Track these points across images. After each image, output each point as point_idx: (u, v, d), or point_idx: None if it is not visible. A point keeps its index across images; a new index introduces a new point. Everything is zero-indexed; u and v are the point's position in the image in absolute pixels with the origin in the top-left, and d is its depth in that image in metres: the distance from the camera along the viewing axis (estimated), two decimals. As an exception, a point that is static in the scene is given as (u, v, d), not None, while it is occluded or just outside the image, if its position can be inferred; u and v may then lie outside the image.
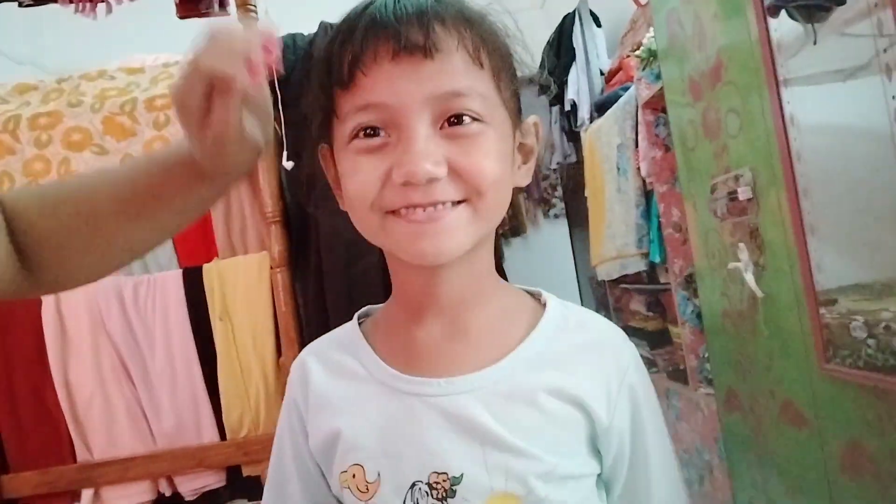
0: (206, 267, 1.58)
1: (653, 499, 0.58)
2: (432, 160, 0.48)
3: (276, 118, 1.57)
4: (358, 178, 0.51)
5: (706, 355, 2.13)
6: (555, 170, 4.29)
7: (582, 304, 4.28)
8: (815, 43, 1.22)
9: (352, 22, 0.51)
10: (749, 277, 1.51)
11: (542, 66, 3.71)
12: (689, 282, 2.25)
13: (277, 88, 1.56)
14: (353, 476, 0.54)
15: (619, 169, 2.70)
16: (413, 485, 0.52)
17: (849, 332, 1.24)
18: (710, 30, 1.61)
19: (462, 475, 0.51)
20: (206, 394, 1.57)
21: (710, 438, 2.18)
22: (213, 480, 1.59)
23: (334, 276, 1.44)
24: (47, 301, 1.56)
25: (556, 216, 4.90)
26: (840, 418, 1.30)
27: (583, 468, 0.55)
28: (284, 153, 1.51)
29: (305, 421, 0.60)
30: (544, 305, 0.60)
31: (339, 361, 0.61)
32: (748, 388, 1.68)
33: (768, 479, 1.67)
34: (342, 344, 0.63)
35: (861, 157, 1.17)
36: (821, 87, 1.29)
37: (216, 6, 1.61)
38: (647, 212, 2.53)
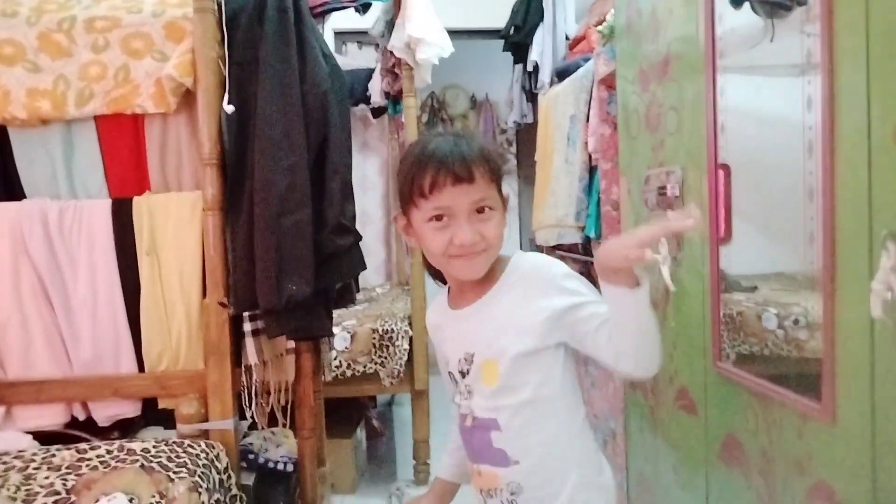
0: (136, 199, 1.56)
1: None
2: (471, 235, 0.96)
3: (221, 57, 1.54)
4: (435, 242, 0.98)
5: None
6: (512, 127, 4.30)
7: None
8: (771, 40, 1.25)
9: (427, 158, 0.96)
10: (665, 271, 1.58)
11: (509, 21, 3.67)
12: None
13: (224, 28, 1.52)
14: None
15: (569, 139, 2.74)
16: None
17: (760, 321, 1.33)
18: (664, 23, 1.63)
19: (474, 353, 1.04)
20: (127, 326, 1.57)
21: (616, 409, 2.31)
22: (128, 409, 1.61)
23: (264, 226, 1.44)
24: (-32, 217, 1.52)
25: (507, 171, 4.94)
26: (724, 412, 1.41)
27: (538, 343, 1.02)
28: (226, 96, 1.48)
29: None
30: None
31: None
32: (652, 370, 1.78)
33: (658, 453, 1.80)
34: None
35: (787, 150, 1.22)
36: (755, 81, 1.34)
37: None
38: (590, 186, 2.59)
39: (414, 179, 0.96)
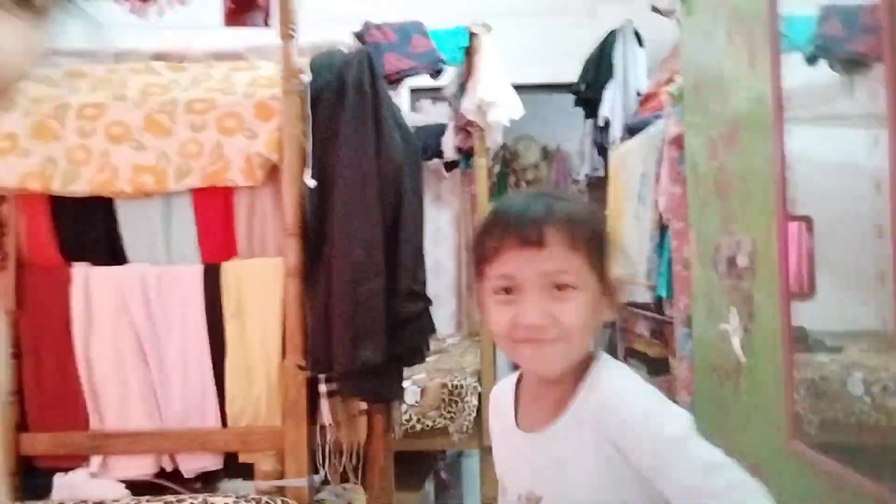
0: (224, 265, 1.68)
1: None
2: (539, 313, 0.76)
3: (304, 133, 1.65)
4: (497, 320, 0.80)
5: (697, 395, 2.18)
6: (584, 180, 4.32)
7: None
8: (851, 95, 1.25)
9: (496, 219, 0.82)
10: (736, 343, 1.57)
11: (581, 77, 3.72)
12: (691, 320, 2.30)
13: (308, 105, 1.64)
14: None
15: (639, 197, 2.74)
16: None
17: (845, 385, 1.29)
18: (731, 86, 1.65)
19: (541, 497, 0.83)
20: (213, 383, 1.68)
21: (690, 474, 2.25)
22: (211, 462, 1.71)
23: (341, 293, 1.53)
24: (77, 278, 1.67)
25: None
26: (798, 494, 1.37)
27: None
28: (308, 170, 1.59)
29: None
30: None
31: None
32: (723, 442, 1.73)
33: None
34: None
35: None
36: (832, 133, 1.33)
37: (261, 20, 1.68)
38: (661, 245, 2.57)
39: (481, 243, 0.82)
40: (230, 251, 1.72)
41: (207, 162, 1.65)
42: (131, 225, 1.72)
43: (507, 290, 0.79)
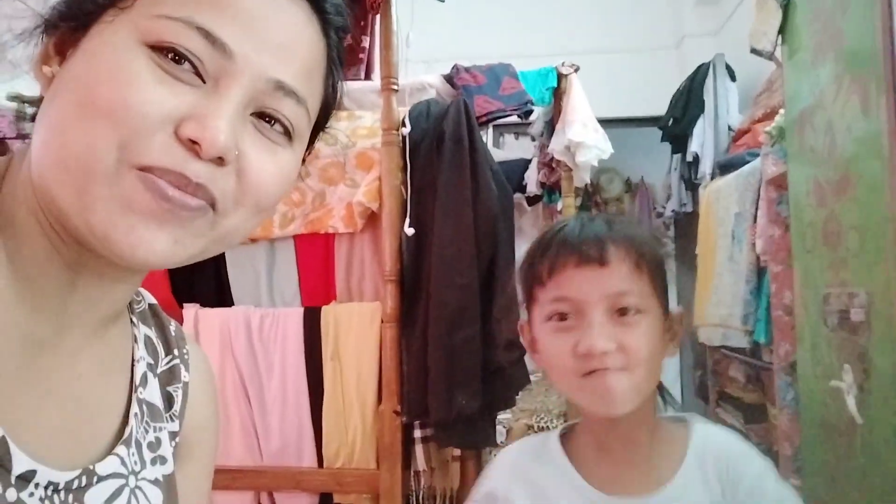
0: (324, 308, 1.73)
1: None
2: (605, 338, 0.67)
3: (403, 182, 1.70)
4: (553, 348, 0.70)
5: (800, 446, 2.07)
6: (670, 216, 4.23)
7: (680, 356, 4.16)
8: None
9: (550, 238, 0.73)
10: (851, 402, 1.48)
11: (669, 111, 3.67)
12: (794, 368, 2.19)
13: (407, 155, 1.68)
14: None
15: (733, 237, 2.65)
16: None
17: None
18: (841, 140, 1.58)
19: None
20: (310, 423, 1.72)
21: (793, 533, 2.13)
22: (306, 502, 1.75)
23: (437, 340, 1.55)
24: (188, 318, 1.77)
25: (665, 255, 4.82)
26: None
27: None
28: (407, 219, 1.63)
29: None
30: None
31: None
32: (834, 499, 1.65)
33: None
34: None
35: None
36: None
37: (361, 73, 1.75)
38: (758, 289, 2.48)
39: (532, 264, 0.73)
40: (329, 295, 1.78)
41: (310, 209, 1.71)
42: (237, 267, 1.80)
43: (563, 317, 0.70)
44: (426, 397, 1.56)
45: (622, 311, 0.69)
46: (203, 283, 1.81)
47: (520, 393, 3.15)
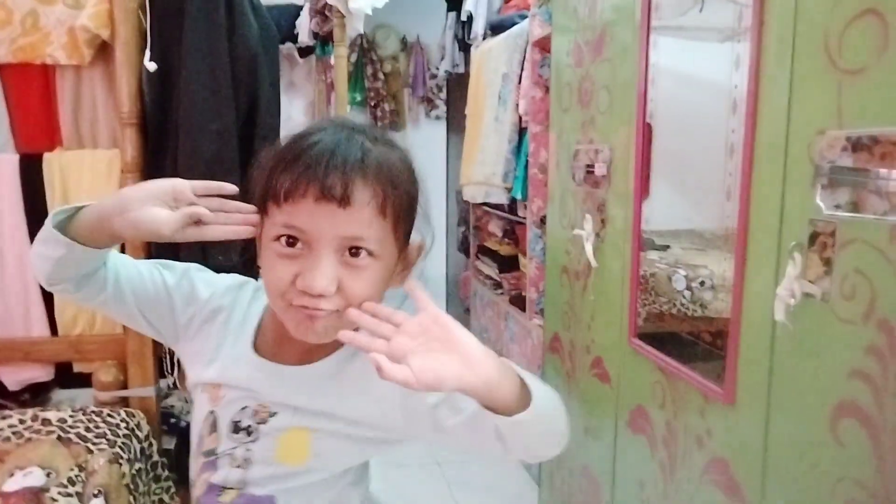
0: (47, 156, 1.46)
1: None
2: (327, 280, 0.65)
3: (141, 6, 1.44)
4: (274, 273, 0.67)
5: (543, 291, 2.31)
6: (443, 75, 4.24)
7: (447, 213, 4.37)
8: (700, 10, 1.28)
9: (295, 155, 0.66)
10: (588, 248, 1.65)
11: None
12: (544, 222, 2.39)
13: (145, -26, 1.42)
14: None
15: (500, 98, 2.73)
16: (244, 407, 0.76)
17: (670, 282, 1.41)
18: (601, 4, 1.64)
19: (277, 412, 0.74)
20: (38, 288, 1.50)
21: (534, 366, 2.42)
22: (40, 374, 1.56)
23: (189, 194, 1.40)
24: None
25: (437, 117, 4.90)
26: (635, 384, 1.51)
27: None
28: (147, 51, 1.39)
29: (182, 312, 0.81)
30: None
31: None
32: (570, 337, 1.87)
33: (571, 416, 1.91)
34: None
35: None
36: (684, 44, 1.39)
37: None
38: (518, 148, 2.61)
39: (271, 176, 0.67)
40: (53, 140, 1.50)
41: (19, 32, 1.39)
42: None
43: (291, 243, 0.66)
44: (178, 255, 1.43)
45: (354, 252, 0.66)
46: None
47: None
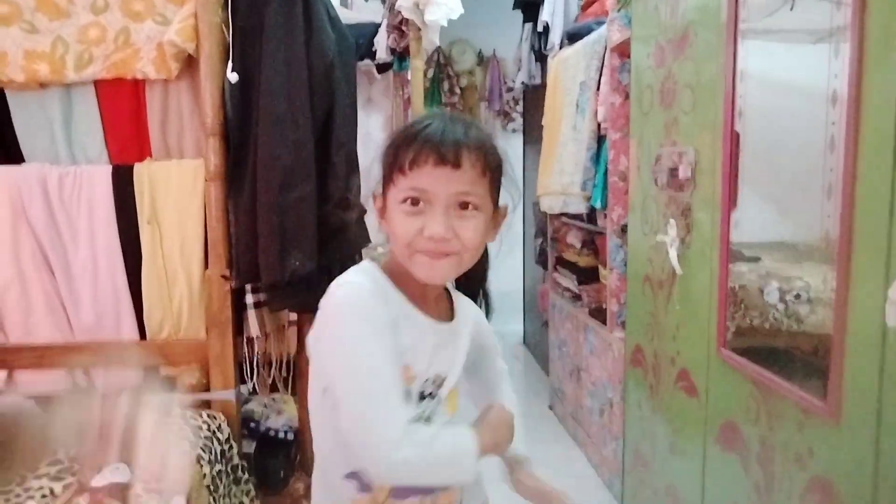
0: (137, 166, 1.52)
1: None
2: (446, 227, 0.82)
3: (224, 21, 1.48)
4: (403, 228, 0.84)
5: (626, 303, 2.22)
6: (520, 87, 4.22)
7: (524, 225, 4.31)
8: (791, 9, 1.21)
9: (415, 133, 0.84)
10: (673, 254, 1.57)
11: (521, -22, 3.55)
12: (625, 231, 2.31)
13: (229, -8, 1.46)
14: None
15: (577, 106, 2.68)
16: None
17: (762, 295, 1.32)
18: (683, 5, 1.57)
19: (445, 378, 0.92)
20: (128, 293, 1.56)
21: (615, 379, 2.33)
22: (130, 377, 1.62)
23: (268, 200, 1.41)
24: (-35, 180, 1.50)
25: (513, 130, 4.87)
26: (725, 398, 1.41)
27: None
28: (230, 63, 1.43)
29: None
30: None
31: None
32: (653, 348, 1.79)
33: (656, 430, 1.82)
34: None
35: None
36: (773, 47, 1.31)
37: None
38: (597, 156, 2.54)
39: (396, 153, 0.84)
40: (143, 151, 1.57)
41: (112, 49, 1.46)
42: (26, 119, 1.53)
43: (415, 202, 0.83)
44: (257, 260, 1.45)
45: (463, 206, 0.83)
46: (-18, 136, 1.53)
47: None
